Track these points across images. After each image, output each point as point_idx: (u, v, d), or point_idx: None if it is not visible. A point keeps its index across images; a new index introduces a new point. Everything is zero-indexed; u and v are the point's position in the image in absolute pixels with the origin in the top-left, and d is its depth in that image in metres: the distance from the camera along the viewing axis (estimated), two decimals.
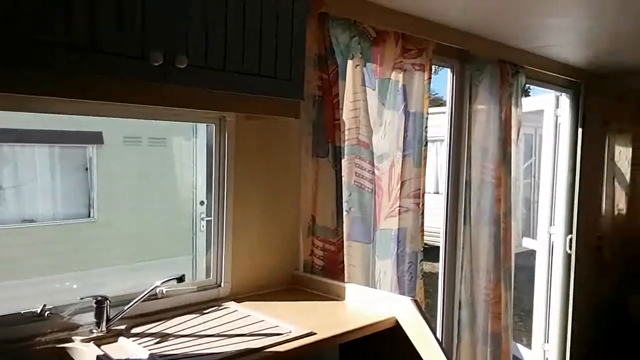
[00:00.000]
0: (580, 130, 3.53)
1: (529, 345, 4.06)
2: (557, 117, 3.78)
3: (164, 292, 1.85)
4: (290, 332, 1.66)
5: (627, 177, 4.62)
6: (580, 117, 3.55)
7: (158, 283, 1.76)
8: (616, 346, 4.40)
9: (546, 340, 3.87)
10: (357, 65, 2.25)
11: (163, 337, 1.65)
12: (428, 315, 1.85)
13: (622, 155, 4.51)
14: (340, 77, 2.17)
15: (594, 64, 3.49)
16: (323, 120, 2.15)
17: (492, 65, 2.82)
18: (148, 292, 1.74)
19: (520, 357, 4.10)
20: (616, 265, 4.56)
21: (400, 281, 2.51)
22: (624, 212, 4.63)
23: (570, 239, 3.57)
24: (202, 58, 1.50)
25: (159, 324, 1.74)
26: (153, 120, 2.13)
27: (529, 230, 4.68)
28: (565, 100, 3.69)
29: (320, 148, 2.18)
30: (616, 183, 4.45)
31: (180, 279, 1.76)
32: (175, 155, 5.81)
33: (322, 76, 2.13)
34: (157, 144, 5.68)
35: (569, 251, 3.61)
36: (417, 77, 2.47)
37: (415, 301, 1.83)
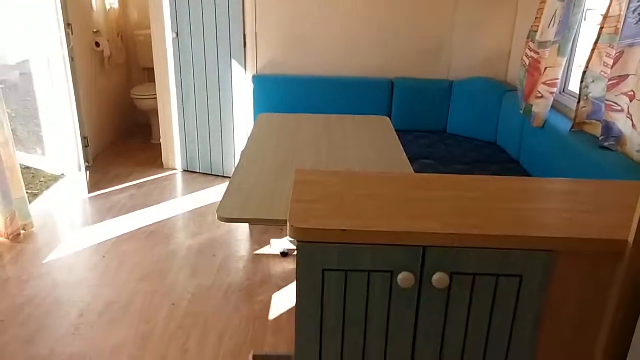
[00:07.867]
0: None
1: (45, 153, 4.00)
2: None
3: None
4: None
5: None
6: None
7: None
8: (127, 130, 4.89)
9: (63, 142, 3.85)
10: None
11: None
12: None
13: None
14: None
15: None
16: None
17: None
18: None
19: (37, 167, 4.03)
20: (120, 60, 4.79)
21: None
22: (116, 6, 4.74)
23: (62, 37, 3.42)
24: None
25: None
26: None
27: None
28: None
29: None
30: None
31: None
32: None
33: None
34: None
35: (63, 51, 3.49)
36: None
37: None
